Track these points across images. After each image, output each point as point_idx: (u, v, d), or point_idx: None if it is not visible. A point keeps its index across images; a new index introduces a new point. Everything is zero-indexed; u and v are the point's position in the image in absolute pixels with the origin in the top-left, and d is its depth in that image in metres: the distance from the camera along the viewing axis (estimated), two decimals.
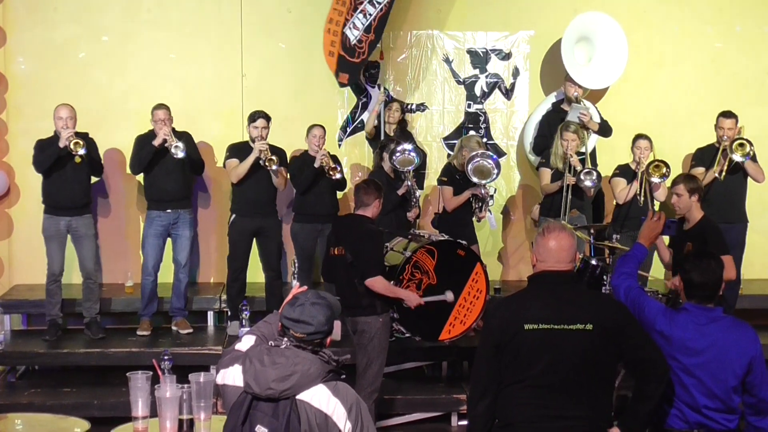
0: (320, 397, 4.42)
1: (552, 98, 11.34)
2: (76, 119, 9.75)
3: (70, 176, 9.76)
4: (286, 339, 4.54)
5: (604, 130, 10.82)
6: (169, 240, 10.22)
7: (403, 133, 11.03)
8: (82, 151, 9.50)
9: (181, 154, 9.79)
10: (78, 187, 9.84)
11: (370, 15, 10.78)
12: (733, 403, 5.50)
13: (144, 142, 9.98)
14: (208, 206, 11.35)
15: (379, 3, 10.78)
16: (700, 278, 5.59)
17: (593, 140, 11.04)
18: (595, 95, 11.38)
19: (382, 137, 10.76)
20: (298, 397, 4.41)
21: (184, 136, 10.11)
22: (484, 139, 11.36)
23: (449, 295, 8.80)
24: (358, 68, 11.05)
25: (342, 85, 11.11)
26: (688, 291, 5.66)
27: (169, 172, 9.95)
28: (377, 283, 8.06)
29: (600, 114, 10.93)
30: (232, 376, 4.59)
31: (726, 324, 5.57)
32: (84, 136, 9.79)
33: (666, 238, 8.52)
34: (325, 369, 4.48)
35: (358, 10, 10.79)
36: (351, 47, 10.86)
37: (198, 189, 11.06)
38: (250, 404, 4.46)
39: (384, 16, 10.86)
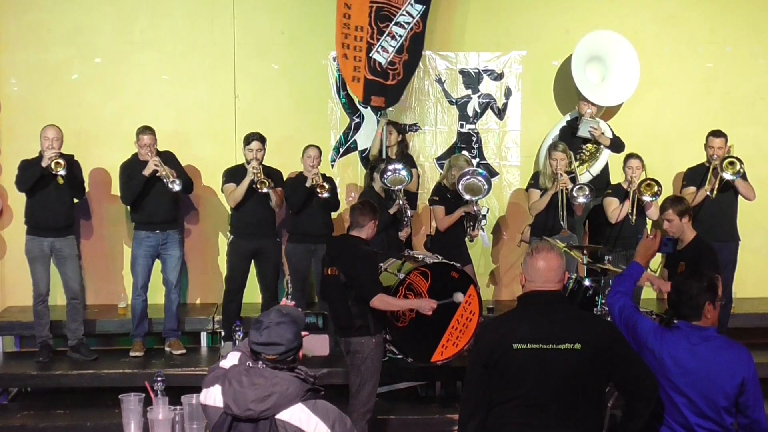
0: (300, 417, 4.45)
1: (568, 117, 11.37)
2: (63, 140, 9.75)
3: (53, 197, 9.76)
4: (260, 362, 4.55)
5: (617, 145, 10.87)
6: (158, 261, 10.21)
7: (404, 155, 11.03)
8: (62, 172, 9.50)
9: (177, 188, 9.83)
10: (61, 209, 9.83)
11: (400, 36, 10.79)
12: (725, 423, 5.46)
13: (132, 171, 9.98)
14: (196, 227, 11.35)
15: (408, 23, 10.80)
16: (675, 296, 5.61)
17: (605, 157, 11.08)
18: (608, 113, 11.44)
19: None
20: (277, 416, 4.43)
21: (171, 158, 10.14)
22: (476, 159, 11.41)
23: (458, 297, 8.80)
24: (395, 90, 10.98)
25: (377, 108, 11.08)
26: (676, 309, 5.65)
27: (158, 194, 9.94)
28: (381, 302, 8.01)
29: (612, 130, 10.96)
30: (213, 396, 4.62)
31: (718, 344, 5.53)
32: (69, 158, 9.82)
33: (657, 261, 8.54)
34: (304, 388, 4.50)
35: (385, 34, 10.76)
36: (383, 71, 10.84)
37: (187, 210, 11.06)
38: (231, 424, 4.48)
39: (416, 36, 10.90)
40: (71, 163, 9.82)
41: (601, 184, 10.59)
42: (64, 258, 9.87)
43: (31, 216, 9.85)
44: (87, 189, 10.44)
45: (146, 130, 9.97)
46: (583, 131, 10.75)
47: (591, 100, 11.00)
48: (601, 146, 10.91)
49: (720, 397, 5.40)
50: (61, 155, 9.67)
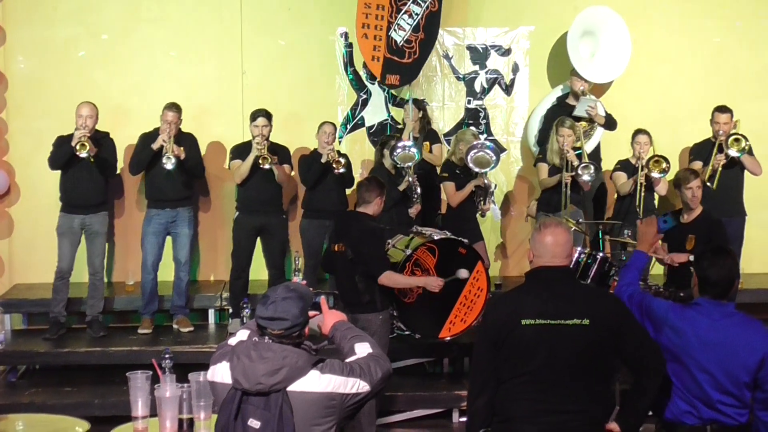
0: (312, 383, 4.47)
1: (557, 92, 11.35)
2: (97, 118, 9.79)
3: (85, 174, 9.79)
4: (266, 338, 4.56)
5: (610, 123, 10.83)
6: (169, 238, 10.22)
7: (426, 130, 11.04)
8: (84, 154, 9.48)
9: (169, 166, 9.77)
10: (92, 186, 9.85)
11: (417, 14, 10.83)
12: (745, 398, 5.46)
13: (145, 142, 9.99)
14: (210, 204, 11.35)
15: (424, 2, 10.81)
16: (716, 276, 5.56)
17: (598, 135, 11.04)
18: (599, 89, 11.38)
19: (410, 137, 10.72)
20: (291, 389, 4.45)
21: (189, 139, 10.15)
22: (484, 135, 11.38)
23: (463, 273, 8.77)
24: (411, 69, 11.04)
25: (392, 86, 11.14)
26: (703, 287, 5.61)
27: (169, 172, 9.88)
28: (389, 279, 8.06)
29: (604, 107, 10.92)
30: (220, 373, 4.63)
31: (738, 320, 5.55)
32: (103, 135, 9.90)
33: None
34: (312, 360, 4.52)
35: (402, 12, 10.81)
36: (399, 49, 10.88)
37: (200, 187, 11.05)
38: (241, 399, 4.49)
39: (432, 14, 10.90)
40: (102, 143, 9.84)
41: (594, 161, 10.54)
42: (92, 234, 9.91)
43: (64, 192, 9.89)
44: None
45: (172, 107, 9.96)
46: (580, 111, 10.68)
47: (584, 76, 10.94)
48: (595, 124, 10.86)
49: (742, 372, 5.39)
50: (97, 133, 9.76)
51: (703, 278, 5.62)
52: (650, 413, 5.58)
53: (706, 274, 5.60)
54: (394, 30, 10.81)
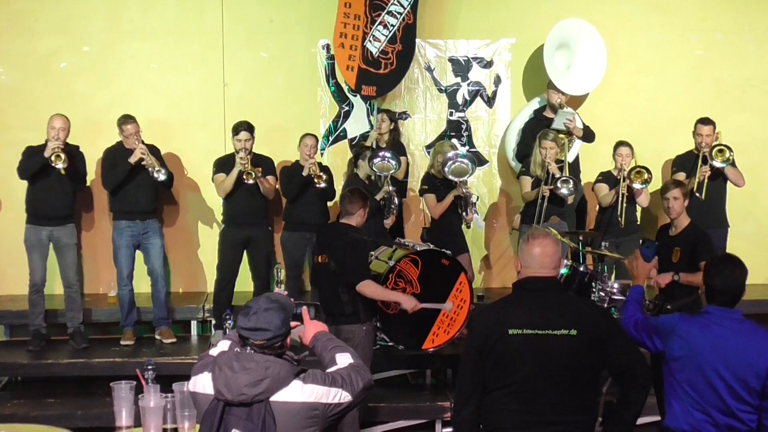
0: (295, 393, 4.49)
1: (534, 104, 11.37)
2: (69, 131, 9.73)
3: (54, 186, 9.73)
4: (248, 348, 4.56)
5: (588, 135, 10.86)
6: (139, 251, 10.19)
7: (395, 142, 11.02)
8: (61, 165, 9.46)
9: (162, 178, 9.81)
10: (61, 198, 9.80)
11: (392, 26, 10.89)
12: (756, 404, 5.49)
13: (116, 157, 9.95)
14: (177, 215, 11.36)
15: (399, 13, 10.86)
16: (722, 284, 5.61)
17: (577, 147, 11.07)
18: (575, 101, 11.41)
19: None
20: (274, 399, 4.45)
21: (154, 151, 10.09)
22: (466, 147, 11.40)
23: (448, 305, 8.82)
24: (388, 79, 11.13)
25: (367, 98, 11.18)
26: (710, 295, 5.67)
27: (140, 183, 9.92)
28: (367, 288, 8.01)
29: (581, 120, 10.96)
30: (202, 383, 4.62)
31: (747, 328, 5.58)
32: (74, 148, 9.83)
33: None
34: (294, 370, 4.54)
35: (377, 23, 10.88)
36: (375, 60, 10.96)
37: (168, 199, 11.06)
38: (223, 410, 4.48)
39: (408, 26, 10.97)
40: (74, 155, 9.81)
41: (572, 173, 10.57)
42: (62, 247, 9.85)
43: (30, 204, 9.83)
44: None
45: (129, 119, 9.93)
46: (558, 123, 10.70)
47: (560, 89, 10.97)
48: (573, 137, 10.88)
49: (752, 378, 5.41)
50: (67, 146, 9.70)
51: (709, 286, 5.68)
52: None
53: (713, 282, 5.65)
54: (370, 41, 10.86)
